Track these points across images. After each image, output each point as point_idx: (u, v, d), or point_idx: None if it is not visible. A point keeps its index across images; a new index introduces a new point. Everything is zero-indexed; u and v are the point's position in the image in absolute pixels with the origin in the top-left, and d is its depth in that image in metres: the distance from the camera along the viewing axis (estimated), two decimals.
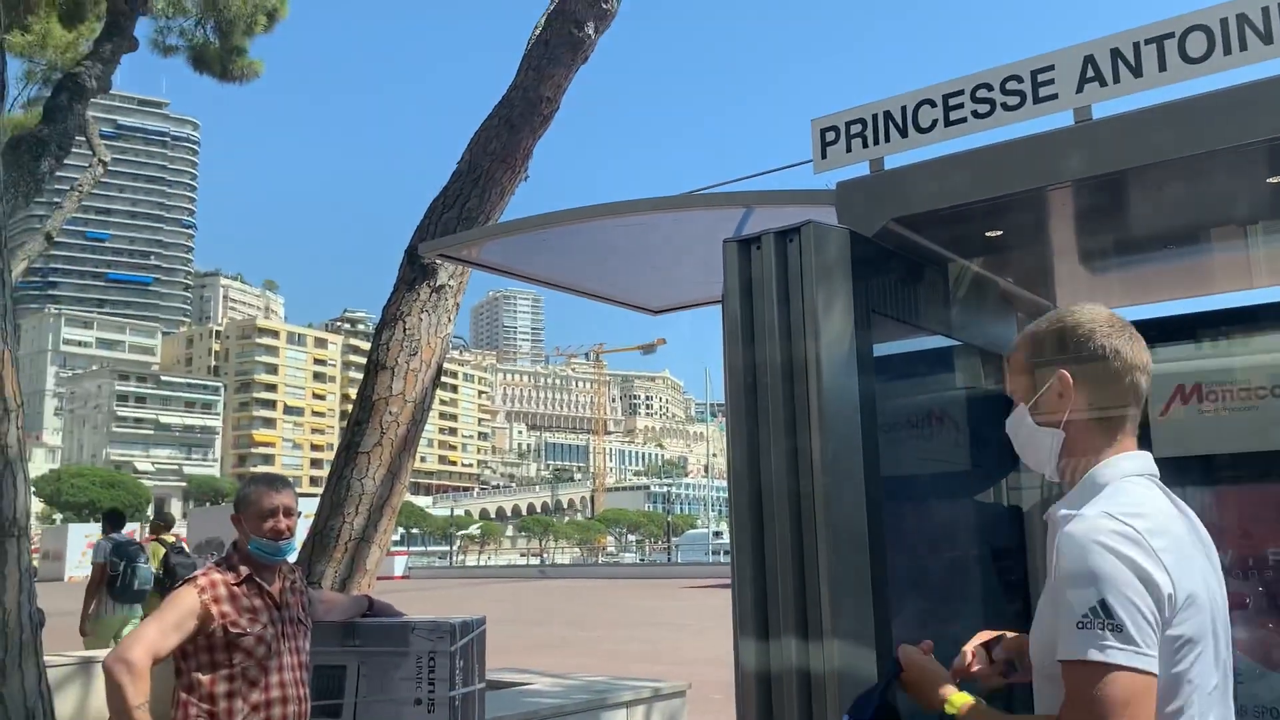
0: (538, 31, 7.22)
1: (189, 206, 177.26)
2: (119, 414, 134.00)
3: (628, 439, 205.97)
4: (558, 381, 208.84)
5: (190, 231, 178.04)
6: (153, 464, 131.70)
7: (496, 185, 6.91)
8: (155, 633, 3.16)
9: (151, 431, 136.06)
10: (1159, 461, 1.91)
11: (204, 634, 3.22)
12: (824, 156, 3.05)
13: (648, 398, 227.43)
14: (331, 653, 3.79)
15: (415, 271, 6.63)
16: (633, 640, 16.34)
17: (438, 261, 6.59)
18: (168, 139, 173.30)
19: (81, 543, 54.92)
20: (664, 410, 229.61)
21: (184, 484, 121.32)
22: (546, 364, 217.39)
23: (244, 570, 3.34)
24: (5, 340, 4.82)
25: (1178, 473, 3.04)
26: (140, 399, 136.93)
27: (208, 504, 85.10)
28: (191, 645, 3.23)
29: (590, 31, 6.83)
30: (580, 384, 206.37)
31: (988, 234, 3.07)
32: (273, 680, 3.29)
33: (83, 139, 12.26)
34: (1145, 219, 3.05)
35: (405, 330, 6.46)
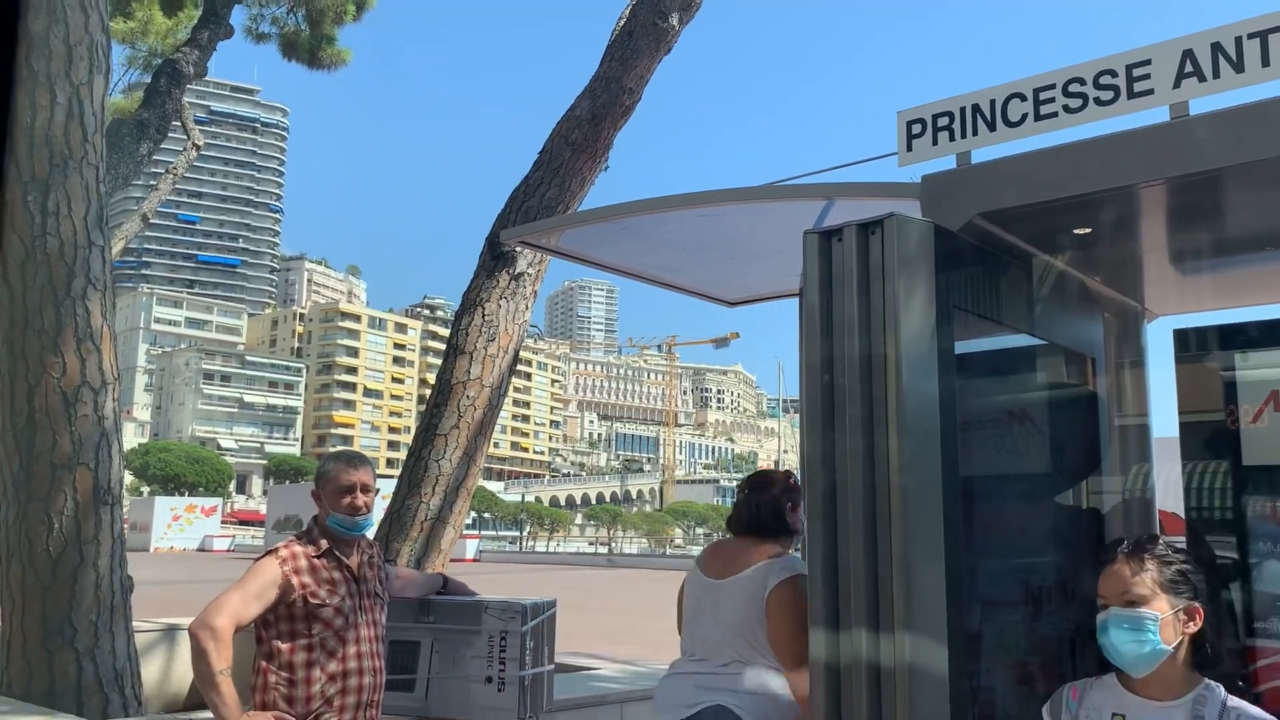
0: (622, 22, 7.24)
1: (277, 191, 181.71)
2: (205, 392, 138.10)
3: (698, 432, 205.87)
4: (630, 372, 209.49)
5: (277, 216, 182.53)
6: (236, 441, 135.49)
7: (577, 175, 6.96)
8: (238, 601, 3.26)
9: (235, 409, 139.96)
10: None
11: (284, 604, 3.32)
12: (909, 149, 3.01)
13: (719, 391, 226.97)
14: (406, 628, 3.88)
15: (495, 259, 6.72)
16: None
17: (517, 250, 6.67)
18: (258, 125, 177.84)
19: (167, 515, 56.95)
20: (735, 404, 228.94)
21: (265, 461, 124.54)
22: (619, 355, 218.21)
23: (324, 544, 3.43)
24: (104, 316, 5.02)
25: (1268, 482, 2.96)
26: (225, 378, 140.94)
27: (287, 482, 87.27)
28: (272, 614, 3.33)
29: (674, 22, 6.83)
30: (652, 375, 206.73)
31: (1076, 231, 3.01)
32: (349, 651, 3.37)
33: (177, 123, 12.66)
34: (1243, 219, 2.96)
35: (484, 316, 6.55)
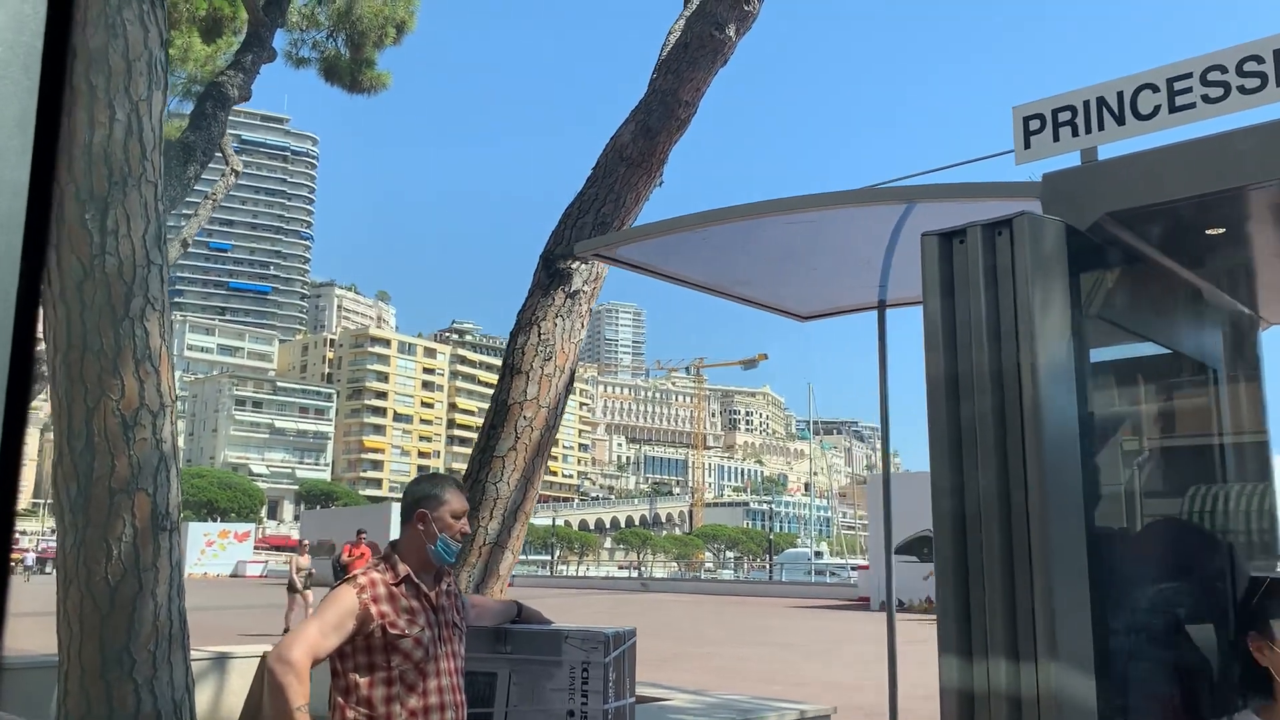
0: (674, 35, 7.12)
1: (307, 219, 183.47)
2: (237, 418, 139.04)
3: (727, 454, 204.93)
4: (658, 395, 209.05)
5: (308, 243, 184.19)
6: (267, 467, 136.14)
7: (631, 190, 6.82)
8: (316, 633, 3.10)
9: (267, 435, 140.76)
10: None
11: (362, 635, 3.16)
12: (1027, 146, 2.84)
13: (748, 413, 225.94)
14: (483, 658, 3.70)
15: (550, 277, 6.58)
16: (747, 659, 16.06)
17: (572, 267, 6.53)
18: (288, 153, 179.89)
19: (201, 541, 57.12)
20: (764, 426, 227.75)
21: (296, 487, 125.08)
22: (647, 377, 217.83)
23: (403, 570, 3.27)
24: (163, 337, 4.90)
25: None
26: (257, 404, 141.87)
27: (318, 507, 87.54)
28: (349, 646, 3.16)
29: (731, 33, 6.69)
30: (680, 398, 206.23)
31: (1208, 231, 2.82)
32: (430, 685, 3.20)
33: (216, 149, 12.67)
34: None
35: (540, 335, 6.40)
